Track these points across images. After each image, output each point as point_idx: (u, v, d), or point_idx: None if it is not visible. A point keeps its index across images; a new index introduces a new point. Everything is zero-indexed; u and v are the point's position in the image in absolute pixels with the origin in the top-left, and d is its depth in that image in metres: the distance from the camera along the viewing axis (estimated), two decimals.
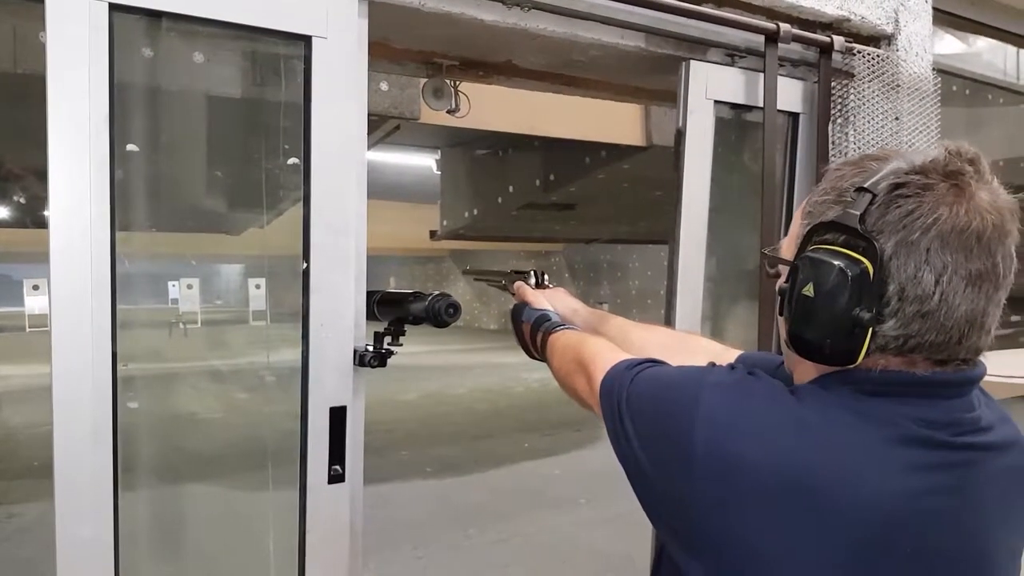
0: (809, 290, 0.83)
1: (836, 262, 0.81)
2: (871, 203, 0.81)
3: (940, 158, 0.82)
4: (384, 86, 4.47)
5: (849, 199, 0.83)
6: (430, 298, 1.64)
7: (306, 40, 1.60)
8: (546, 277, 1.69)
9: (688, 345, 1.35)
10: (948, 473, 0.82)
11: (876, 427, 0.81)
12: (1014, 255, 0.83)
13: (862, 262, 0.80)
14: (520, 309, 1.57)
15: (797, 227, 0.91)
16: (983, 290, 0.80)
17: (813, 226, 0.86)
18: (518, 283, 1.65)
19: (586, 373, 1.12)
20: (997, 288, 0.82)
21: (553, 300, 1.58)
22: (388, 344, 1.70)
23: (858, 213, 0.80)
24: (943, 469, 0.82)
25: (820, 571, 0.78)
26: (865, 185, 0.81)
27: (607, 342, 1.23)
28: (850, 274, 0.80)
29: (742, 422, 0.84)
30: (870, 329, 0.80)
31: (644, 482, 0.90)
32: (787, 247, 0.92)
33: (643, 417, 0.92)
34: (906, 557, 0.79)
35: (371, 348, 1.69)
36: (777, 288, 0.92)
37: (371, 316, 1.74)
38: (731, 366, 0.95)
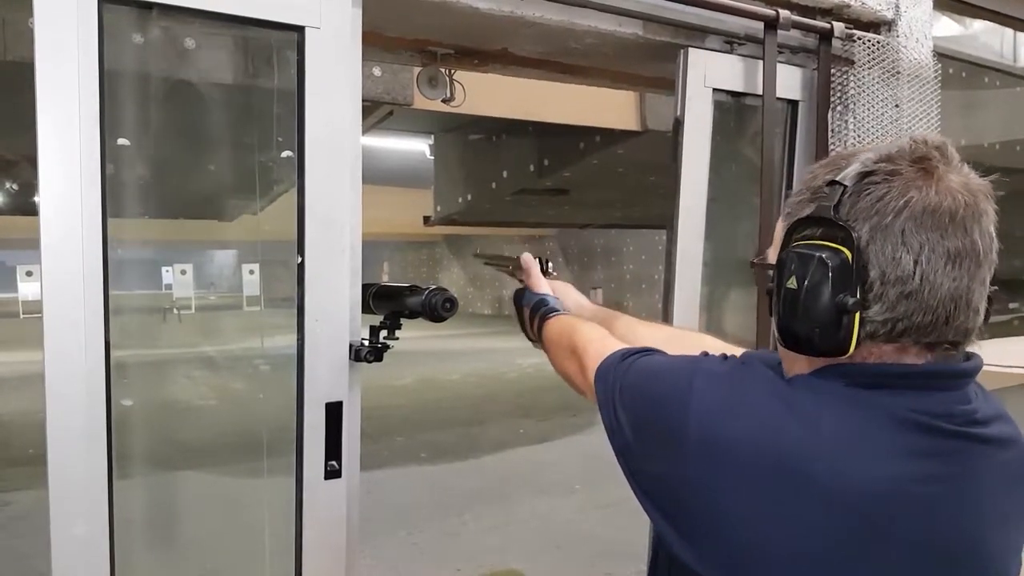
0: (792, 283, 0.84)
1: (816, 253, 0.82)
2: (843, 193, 0.82)
3: (906, 147, 0.84)
4: (377, 72, 4.44)
5: (823, 194, 0.85)
6: (427, 292, 1.62)
7: (299, 30, 1.57)
8: (550, 264, 1.67)
9: (693, 342, 1.34)
10: (941, 461, 0.82)
11: (868, 413, 0.82)
12: (993, 233, 0.84)
13: (841, 251, 0.81)
14: (521, 293, 1.58)
15: (779, 229, 0.93)
16: (964, 267, 0.81)
17: (792, 224, 0.88)
18: (526, 260, 1.62)
19: (579, 361, 1.14)
20: (979, 265, 0.82)
21: (561, 295, 1.56)
22: (384, 338, 1.69)
23: (831, 205, 0.82)
24: (936, 457, 0.82)
25: (811, 555, 0.79)
26: (836, 179, 0.83)
27: (601, 329, 1.24)
28: (830, 263, 0.81)
29: (734, 408, 0.85)
30: (857, 315, 0.81)
31: (638, 470, 0.91)
32: (773, 253, 0.93)
33: (636, 406, 0.93)
34: (897, 542, 0.79)
35: (367, 343, 1.68)
36: (767, 291, 0.93)
37: (366, 309, 1.72)
38: (723, 356, 0.96)
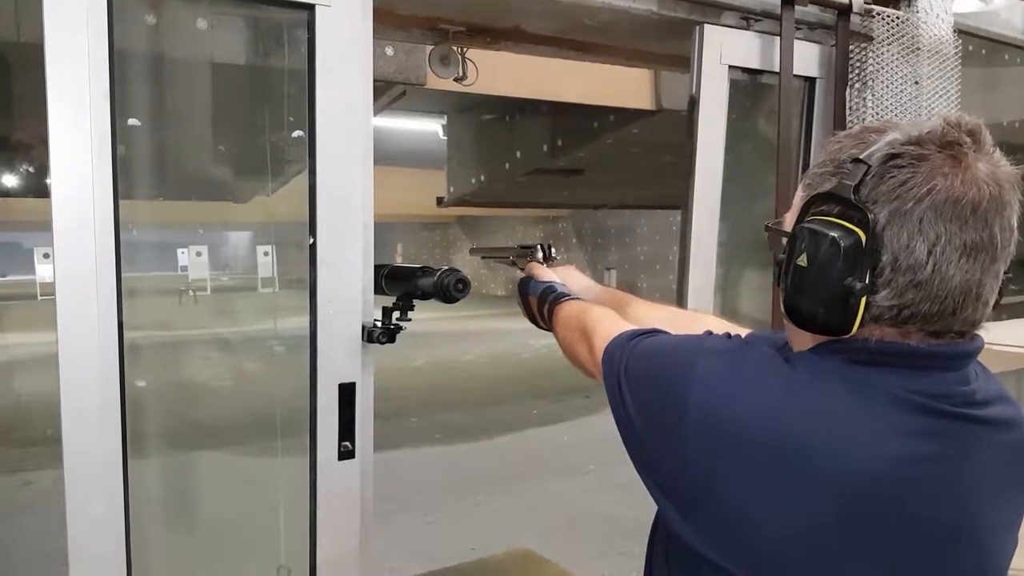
0: (803, 260, 0.84)
1: (830, 232, 0.81)
2: (866, 174, 0.81)
3: (937, 129, 0.81)
4: (389, 51, 4.40)
5: (846, 170, 0.83)
6: (439, 273, 1.62)
7: (309, 8, 1.56)
8: (552, 250, 1.69)
9: (697, 322, 1.35)
10: (940, 441, 0.82)
11: (868, 393, 0.82)
12: (1014, 226, 0.82)
13: (855, 232, 0.80)
14: (526, 282, 1.59)
15: (797, 199, 0.92)
16: (978, 261, 0.80)
17: (811, 197, 0.87)
18: (531, 263, 1.66)
19: (588, 342, 1.16)
20: (994, 259, 0.81)
21: (566, 279, 1.59)
22: (396, 319, 1.69)
23: (853, 184, 0.81)
24: (935, 437, 0.82)
25: (809, 534, 0.79)
26: (861, 156, 0.82)
27: (610, 311, 1.25)
28: (843, 244, 0.80)
29: (735, 387, 0.85)
30: (863, 299, 0.81)
31: (639, 447, 0.92)
32: (789, 220, 0.93)
33: (640, 384, 0.94)
34: (896, 522, 0.80)
35: (379, 324, 1.68)
36: (775, 259, 0.93)
37: (379, 290, 1.72)
38: (727, 335, 0.97)
